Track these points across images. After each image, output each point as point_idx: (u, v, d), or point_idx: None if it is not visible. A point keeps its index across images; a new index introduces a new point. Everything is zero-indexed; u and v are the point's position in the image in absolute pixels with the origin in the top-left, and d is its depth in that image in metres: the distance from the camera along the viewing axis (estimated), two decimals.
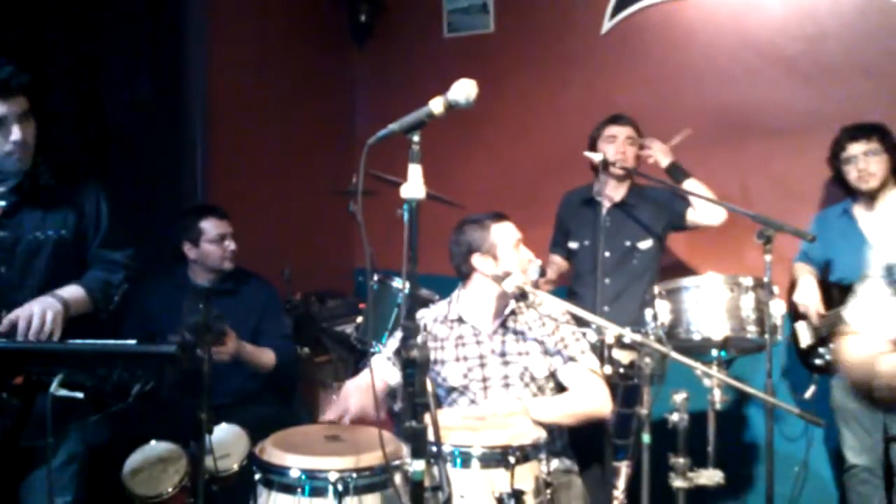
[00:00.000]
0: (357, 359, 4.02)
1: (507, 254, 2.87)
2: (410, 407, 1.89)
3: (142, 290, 3.15)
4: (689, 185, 3.60)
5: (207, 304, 2.50)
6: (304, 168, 4.96)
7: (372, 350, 3.57)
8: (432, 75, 4.97)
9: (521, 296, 2.82)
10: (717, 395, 2.91)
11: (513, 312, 2.95)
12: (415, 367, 1.87)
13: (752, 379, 3.27)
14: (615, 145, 3.70)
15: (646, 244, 3.71)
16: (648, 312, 3.15)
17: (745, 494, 4.13)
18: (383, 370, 2.94)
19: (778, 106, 4.13)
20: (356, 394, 2.77)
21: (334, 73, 5.37)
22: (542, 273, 3.00)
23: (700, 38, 4.34)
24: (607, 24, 4.58)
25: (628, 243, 3.71)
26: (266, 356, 3.54)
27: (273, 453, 2.28)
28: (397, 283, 3.67)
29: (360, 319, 4.06)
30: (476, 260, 2.90)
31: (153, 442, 2.98)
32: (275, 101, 4.84)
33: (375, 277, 3.76)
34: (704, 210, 3.58)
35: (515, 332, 2.92)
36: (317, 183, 4.90)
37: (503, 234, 2.90)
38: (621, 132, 3.74)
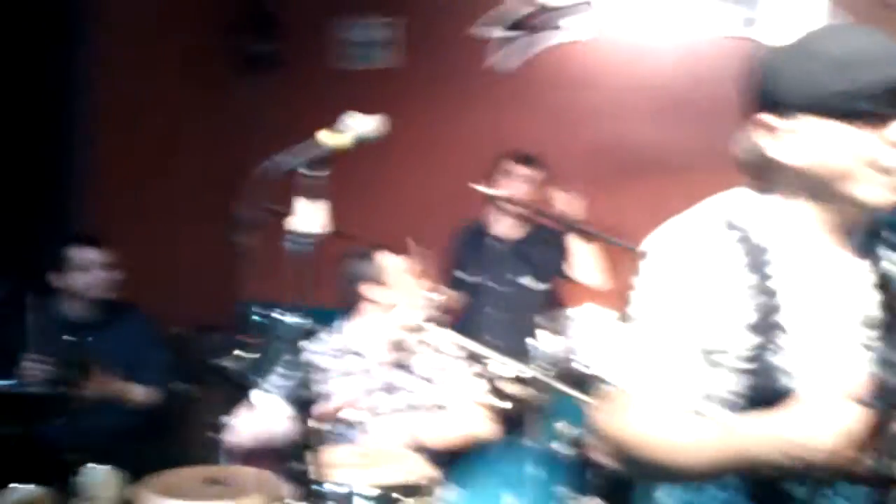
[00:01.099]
0: (241, 395, 3.89)
1: (395, 283, 2.86)
2: (294, 448, 1.84)
3: (10, 323, 2.97)
4: (581, 244, 3.68)
5: (75, 338, 2.37)
6: (190, 199, 4.81)
7: (256, 384, 3.48)
8: (329, 107, 4.91)
9: (413, 327, 2.81)
10: None
11: (402, 344, 2.92)
12: (299, 406, 1.82)
13: None
14: (513, 184, 3.74)
15: (534, 284, 3.77)
16: (533, 343, 3.18)
17: None
18: (267, 407, 2.85)
19: (670, 144, 4.28)
20: (238, 430, 2.69)
21: (226, 103, 5.23)
22: (436, 305, 3.00)
23: (597, 78, 4.48)
24: (507, 64, 4.65)
25: (515, 280, 3.75)
26: (142, 392, 3.39)
27: (148, 499, 2.17)
28: (283, 316, 3.58)
29: (243, 353, 3.94)
30: (364, 289, 2.87)
31: (14, 485, 2.79)
32: (163, 127, 4.68)
33: (261, 310, 3.66)
34: (588, 273, 3.69)
35: (405, 363, 2.90)
36: (204, 213, 4.75)
37: (392, 264, 2.89)
38: (522, 173, 3.78)
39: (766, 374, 1.31)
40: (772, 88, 1.31)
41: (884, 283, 1.37)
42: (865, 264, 1.38)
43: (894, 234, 1.23)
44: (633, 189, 4.31)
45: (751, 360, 1.32)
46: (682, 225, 1.41)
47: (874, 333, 1.34)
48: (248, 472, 2.42)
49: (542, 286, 3.77)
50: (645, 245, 1.41)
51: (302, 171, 1.85)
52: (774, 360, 1.31)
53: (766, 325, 1.31)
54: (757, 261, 1.34)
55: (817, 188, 1.32)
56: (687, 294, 1.32)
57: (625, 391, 1.37)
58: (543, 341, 3.08)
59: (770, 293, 1.32)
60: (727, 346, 1.32)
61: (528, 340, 3.20)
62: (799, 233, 1.36)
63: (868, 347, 1.34)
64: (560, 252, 3.79)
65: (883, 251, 1.40)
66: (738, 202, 1.41)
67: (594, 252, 3.69)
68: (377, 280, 2.86)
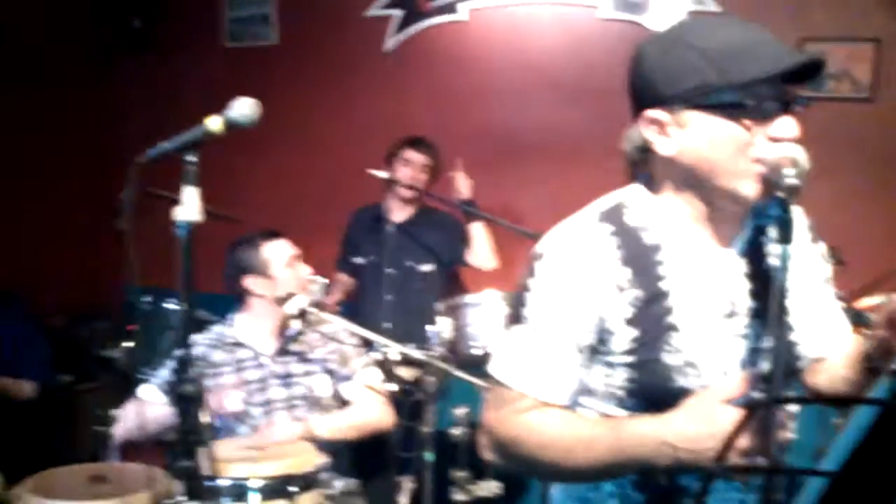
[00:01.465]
0: (127, 386, 3.76)
1: (280, 273, 2.79)
2: (183, 443, 1.78)
3: None
4: (476, 228, 3.68)
5: None
6: (66, 184, 4.59)
7: (143, 377, 3.37)
8: (213, 86, 4.77)
9: (302, 315, 2.76)
10: None
11: (297, 333, 2.87)
12: (188, 401, 1.76)
13: None
14: (409, 170, 3.73)
15: (427, 267, 3.78)
16: (431, 329, 3.18)
17: (522, 502, 4.26)
18: (154, 400, 2.75)
19: (553, 126, 4.32)
20: (125, 424, 2.59)
21: (103, 83, 5.01)
22: (327, 291, 2.96)
23: (481, 58, 4.46)
24: (391, 42, 4.60)
25: (410, 264, 3.75)
26: (22, 387, 3.23)
27: (30, 500, 2.07)
28: (170, 304, 3.48)
29: (130, 344, 3.80)
30: (248, 281, 2.80)
31: None
32: (41, 110, 4.45)
33: (147, 298, 3.55)
34: (481, 256, 3.70)
35: (298, 353, 2.85)
36: (82, 199, 4.56)
37: (276, 252, 2.81)
38: (418, 159, 3.76)
39: (651, 369, 1.34)
40: (655, 84, 1.31)
41: (766, 275, 1.39)
42: (743, 254, 1.40)
43: (776, 226, 1.26)
44: (518, 171, 4.34)
45: (631, 353, 1.34)
46: (566, 225, 1.42)
47: (748, 323, 1.38)
48: (136, 469, 2.33)
49: (434, 269, 3.78)
50: (537, 247, 1.41)
51: (188, 158, 1.77)
52: (658, 354, 1.33)
53: (645, 319, 1.34)
54: (633, 255, 1.36)
55: (700, 183, 1.33)
56: (567, 292, 1.34)
57: (513, 391, 1.37)
58: (441, 326, 3.08)
59: (649, 286, 1.34)
60: (608, 342, 1.34)
61: (427, 326, 3.20)
62: (682, 226, 1.38)
63: (744, 337, 1.38)
64: (453, 235, 3.81)
65: (766, 243, 1.43)
66: (624, 198, 1.43)
67: (486, 235, 3.71)
68: (261, 272, 2.79)
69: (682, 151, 1.31)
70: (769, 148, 1.26)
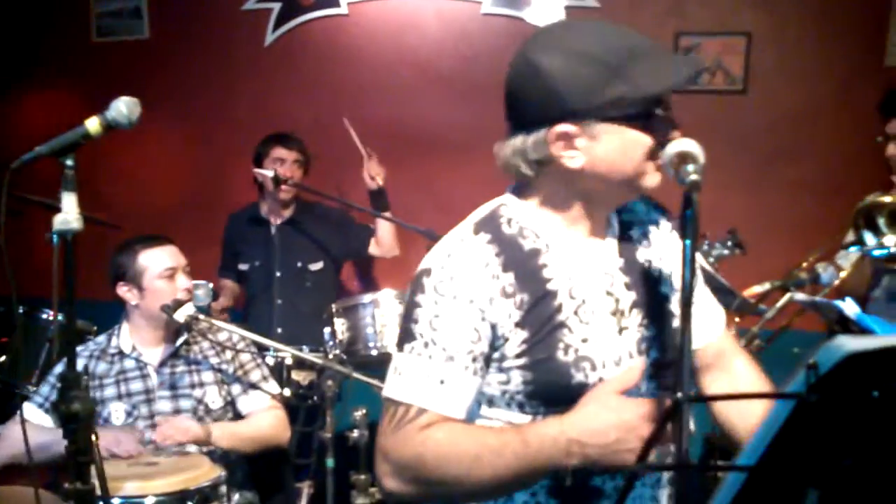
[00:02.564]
0: (4, 403, 3.54)
1: (153, 284, 2.65)
2: (74, 465, 1.68)
3: None
4: (384, 226, 3.63)
5: None
6: None
7: (20, 391, 3.18)
8: (81, 82, 4.55)
9: (190, 324, 2.66)
10: None
11: (185, 342, 2.75)
12: (77, 421, 1.66)
13: None
14: (283, 168, 3.60)
15: (317, 265, 3.68)
16: (327, 331, 3.12)
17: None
18: (36, 419, 2.59)
19: (437, 123, 4.30)
20: (8, 448, 2.44)
21: None
22: (214, 297, 2.86)
23: (362, 53, 4.40)
24: (270, 37, 4.49)
25: (300, 264, 3.66)
26: None
27: None
28: (45, 314, 3.29)
29: (1, 357, 3.58)
30: (122, 290, 2.67)
31: None
32: None
33: (21, 309, 3.34)
34: (386, 245, 3.63)
35: (188, 363, 2.73)
36: None
37: (153, 262, 2.66)
38: (289, 156, 3.66)
39: (546, 368, 1.35)
40: (562, 99, 1.30)
41: (639, 267, 1.46)
42: (616, 249, 1.46)
43: (679, 223, 1.28)
44: (402, 167, 4.30)
45: (524, 354, 1.35)
46: (446, 240, 1.43)
47: (631, 314, 1.43)
48: (18, 493, 2.20)
49: (324, 266, 3.70)
50: (423, 263, 1.41)
51: (66, 163, 1.67)
52: (552, 352, 1.35)
53: (535, 320, 1.35)
54: (513, 260, 1.37)
55: (605, 188, 1.37)
56: (456, 303, 1.34)
57: (411, 408, 1.34)
58: (337, 327, 3.03)
59: (534, 289, 1.36)
60: (501, 347, 1.35)
61: (321, 327, 3.14)
62: (557, 230, 1.41)
63: (629, 328, 1.42)
64: (340, 227, 3.74)
65: (633, 236, 1.49)
66: (497, 209, 1.44)
67: (389, 224, 3.64)
68: (133, 281, 2.66)
69: (591, 163, 1.33)
70: (668, 146, 1.30)
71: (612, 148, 1.32)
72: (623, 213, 1.49)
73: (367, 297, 3.10)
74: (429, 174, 4.31)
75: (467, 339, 1.34)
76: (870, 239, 2.39)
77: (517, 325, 1.34)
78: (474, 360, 1.35)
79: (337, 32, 4.43)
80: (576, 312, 1.37)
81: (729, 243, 2.65)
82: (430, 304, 1.35)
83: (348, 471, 2.82)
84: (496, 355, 1.36)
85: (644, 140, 1.32)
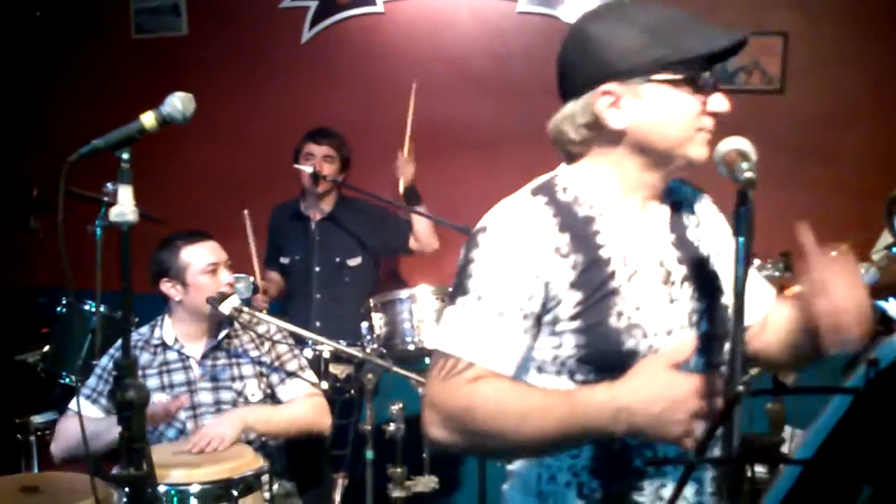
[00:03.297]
0: (43, 391, 3.61)
1: (196, 280, 2.70)
2: (127, 451, 1.72)
3: None
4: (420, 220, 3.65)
5: None
6: None
7: (62, 381, 3.25)
8: (121, 79, 4.61)
9: (234, 317, 2.70)
10: None
11: (227, 336, 2.80)
12: (131, 408, 1.70)
13: None
14: (317, 162, 3.65)
15: (355, 261, 3.71)
16: (365, 325, 3.15)
17: (458, 496, 4.28)
18: (85, 410, 2.64)
19: (472, 120, 4.32)
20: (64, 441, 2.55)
21: (12, 79, 4.77)
22: (255, 290, 2.90)
23: (397, 51, 4.43)
24: (307, 34, 4.53)
25: (338, 259, 3.70)
26: None
27: None
28: (89, 306, 3.36)
29: (46, 347, 3.65)
30: (164, 286, 2.72)
31: None
32: None
33: (64, 300, 3.41)
34: (424, 238, 3.66)
35: (229, 356, 2.78)
36: None
37: (195, 258, 2.71)
38: (318, 151, 3.69)
39: (598, 332, 1.37)
40: (608, 60, 1.37)
41: (689, 244, 1.49)
42: (668, 224, 1.49)
43: (733, 220, 1.30)
44: (438, 164, 4.33)
45: (578, 317, 1.37)
46: (504, 202, 1.46)
47: (682, 287, 1.45)
48: (70, 478, 2.24)
49: (363, 261, 3.73)
50: (480, 222, 1.44)
51: (122, 156, 1.71)
52: (604, 317, 1.37)
53: (588, 282, 1.37)
54: (569, 223, 1.40)
55: (651, 151, 1.40)
56: (511, 259, 1.36)
57: (461, 361, 1.36)
58: (375, 322, 3.07)
59: (588, 252, 1.39)
60: (555, 308, 1.37)
61: (360, 322, 3.17)
62: (612, 199, 1.44)
63: (680, 300, 1.44)
64: (379, 223, 3.77)
65: (684, 216, 1.52)
66: (552, 178, 1.48)
67: (422, 220, 3.67)
68: (176, 277, 2.70)
69: (637, 123, 1.38)
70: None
71: (655, 108, 1.37)
72: (672, 195, 1.52)
73: (404, 293, 3.13)
74: (464, 171, 4.33)
75: (520, 296, 1.35)
76: None
77: (571, 285, 1.36)
78: (525, 317, 1.36)
79: (373, 31, 4.46)
80: (629, 280, 1.40)
81: (780, 265, 2.65)
82: (484, 259, 1.37)
83: (385, 463, 2.85)
84: (549, 318, 1.37)
85: (690, 102, 1.36)
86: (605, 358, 1.37)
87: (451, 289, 1.44)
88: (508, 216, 1.41)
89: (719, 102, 1.38)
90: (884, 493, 1.01)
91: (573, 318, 1.37)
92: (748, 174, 1.26)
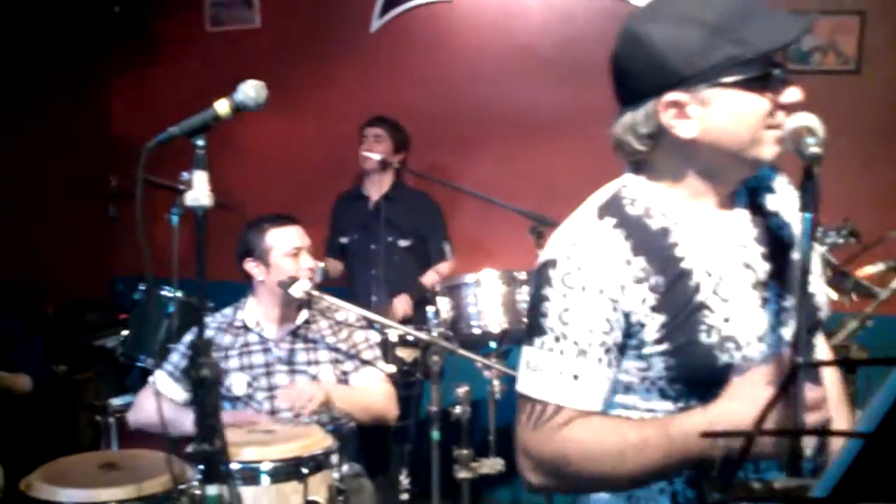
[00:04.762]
0: (122, 375, 3.75)
1: (280, 262, 2.77)
2: (201, 428, 1.78)
3: None
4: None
5: None
6: (52, 170, 4.54)
7: (140, 364, 3.37)
8: (196, 71, 4.74)
9: (307, 301, 2.77)
10: (497, 385, 3.01)
11: (306, 321, 2.87)
12: (205, 386, 1.75)
13: None
14: (378, 147, 3.89)
15: (405, 242, 3.92)
16: (431, 309, 3.19)
17: None
18: (166, 387, 2.75)
19: (539, 105, 4.32)
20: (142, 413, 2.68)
21: (86, 68, 4.95)
22: (325, 277, 2.97)
23: (466, 38, 4.45)
24: (376, 23, 4.58)
25: (390, 239, 3.90)
26: (20, 381, 3.22)
27: (41, 488, 2.06)
28: (166, 291, 3.46)
29: (124, 332, 3.79)
30: (248, 265, 2.80)
31: None
32: (26, 101, 4.40)
33: (142, 287, 3.53)
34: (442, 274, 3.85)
35: (307, 341, 2.85)
36: (68, 186, 4.51)
37: (280, 240, 2.79)
38: (370, 132, 3.94)
39: (690, 352, 1.30)
40: (669, 66, 1.26)
41: (772, 235, 1.40)
42: (748, 220, 1.40)
43: (800, 195, 1.25)
44: (505, 150, 4.34)
45: (664, 339, 1.30)
46: (568, 226, 1.39)
47: (769, 286, 1.36)
48: (147, 455, 2.32)
49: (412, 244, 3.93)
50: (546, 254, 1.37)
51: (197, 143, 1.76)
52: (694, 335, 1.30)
53: (672, 302, 1.30)
54: (643, 243, 1.33)
55: (720, 158, 1.31)
56: (586, 294, 1.30)
57: (548, 405, 1.32)
58: (441, 306, 3.09)
59: (668, 270, 1.32)
60: (639, 334, 1.31)
61: (426, 307, 3.21)
62: (684, 206, 1.36)
63: (768, 300, 1.35)
64: (423, 219, 3.95)
65: (762, 204, 1.43)
66: (619, 190, 1.40)
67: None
68: (261, 258, 2.78)
69: (706, 131, 1.29)
70: (786, 120, 1.27)
71: (725, 113, 1.27)
72: (748, 181, 1.42)
73: (469, 277, 3.14)
74: (532, 157, 4.33)
75: (599, 331, 1.30)
76: None
77: (653, 309, 1.30)
78: (607, 351, 1.31)
79: (441, 19, 4.49)
80: (715, 291, 1.32)
81: (844, 231, 2.59)
82: (558, 297, 1.31)
83: (450, 445, 2.88)
84: (633, 342, 1.31)
85: (759, 103, 1.27)
86: (698, 376, 1.31)
87: (526, 326, 1.39)
88: (578, 246, 1.32)
89: (793, 94, 1.28)
90: None
91: (660, 340, 1.30)
92: (814, 149, 1.21)
